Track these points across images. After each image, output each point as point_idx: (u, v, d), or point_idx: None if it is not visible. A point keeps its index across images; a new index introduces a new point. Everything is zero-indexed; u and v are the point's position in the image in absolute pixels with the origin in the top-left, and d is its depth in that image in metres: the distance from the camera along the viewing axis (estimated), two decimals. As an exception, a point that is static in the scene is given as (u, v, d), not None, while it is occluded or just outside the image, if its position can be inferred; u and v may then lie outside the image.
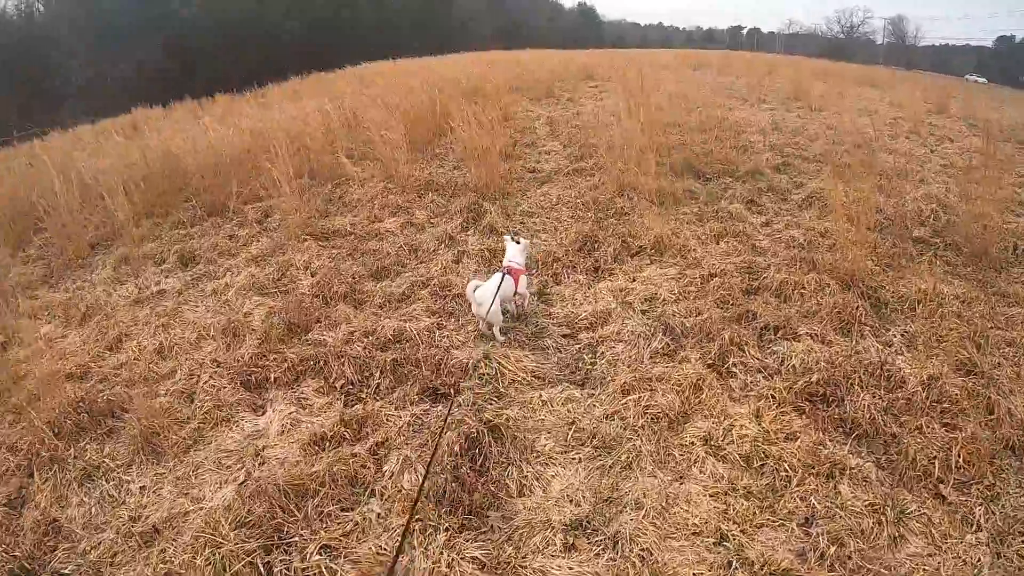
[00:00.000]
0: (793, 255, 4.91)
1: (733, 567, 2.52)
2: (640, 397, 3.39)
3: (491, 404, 3.46)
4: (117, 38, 34.94)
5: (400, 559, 2.54)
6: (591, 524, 2.73)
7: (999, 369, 3.66)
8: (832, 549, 2.56)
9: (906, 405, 3.31)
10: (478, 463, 3.04)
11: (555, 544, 2.64)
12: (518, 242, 4.25)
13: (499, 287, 3.86)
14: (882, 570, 2.52)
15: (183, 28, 36.35)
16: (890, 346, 3.85)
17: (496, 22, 56.96)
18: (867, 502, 2.78)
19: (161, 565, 2.72)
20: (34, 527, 3.04)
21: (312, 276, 5.12)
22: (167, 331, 4.59)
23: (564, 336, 4.18)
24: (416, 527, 2.70)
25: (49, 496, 3.19)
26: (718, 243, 5.25)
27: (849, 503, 2.77)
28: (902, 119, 10.43)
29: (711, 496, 2.83)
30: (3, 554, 2.90)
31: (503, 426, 3.25)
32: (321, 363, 3.91)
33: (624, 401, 3.39)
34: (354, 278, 5.00)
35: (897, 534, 2.67)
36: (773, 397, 3.37)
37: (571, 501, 2.86)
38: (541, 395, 3.54)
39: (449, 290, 4.74)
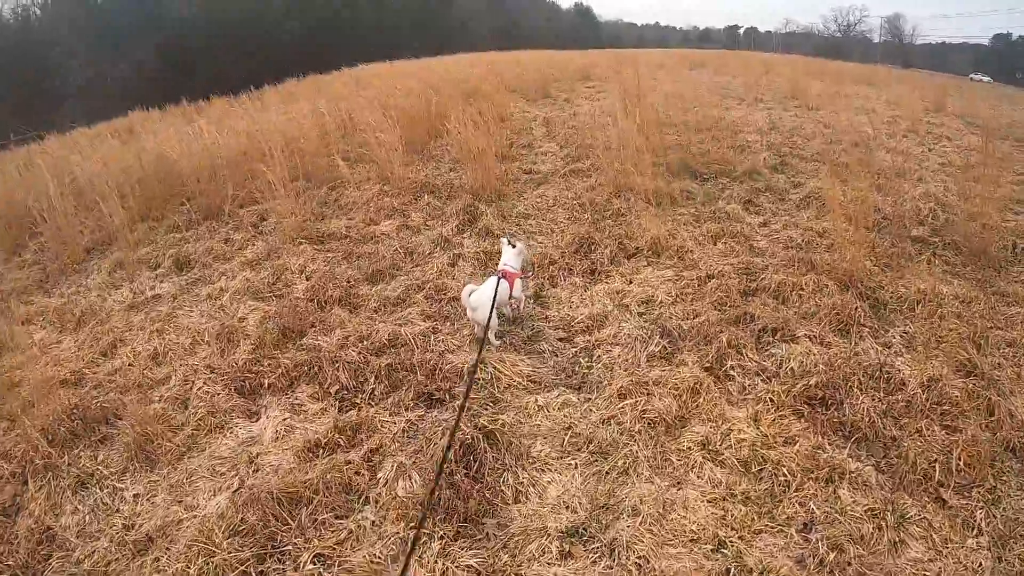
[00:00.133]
0: (791, 256, 4.89)
1: (732, 574, 2.49)
2: (637, 401, 3.36)
3: (486, 409, 3.43)
4: (114, 42, 34.94)
5: (395, 567, 2.52)
6: (587, 531, 2.70)
7: (999, 370, 3.63)
8: (832, 555, 2.52)
9: (906, 407, 3.28)
10: (473, 469, 3.00)
11: (551, 552, 2.61)
12: (514, 246, 4.22)
13: (496, 291, 3.82)
14: (882, 576, 2.49)
15: (181, 30, 36.32)
16: (889, 347, 3.82)
17: (493, 23, 56.95)
18: (867, 506, 2.75)
19: (155, 574, 2.69)
20: (28, 535, 3.01)
21: (307, 280, 5.09)
22: (161, 336, 4.56)
23: (560, 339, 4.14)
24: (409, 536, 2.67)
25: (43, 504, 3.16)
26: (715, 244, 5.22)
27: (849, 508, 2.74)
28: (899, 118, 10.43)
29: (709, 502, 2.79)
30: (-3, 563, 2.87)
31: (498, 432, 3.21)
32: (315, 368, 3.87)
33: (621, 405, 3.36)
34: (349, 282, 4.96)
35: (897, 539, 2.63)
36: (771, 400, 3.34)
37: (567, 508, 2.83)
38: (537, 400, 3.50)
39: (445, 294, 4.71)
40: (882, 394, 3.37)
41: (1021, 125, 10.71)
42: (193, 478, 3.21)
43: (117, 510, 3.10)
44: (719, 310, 4.22)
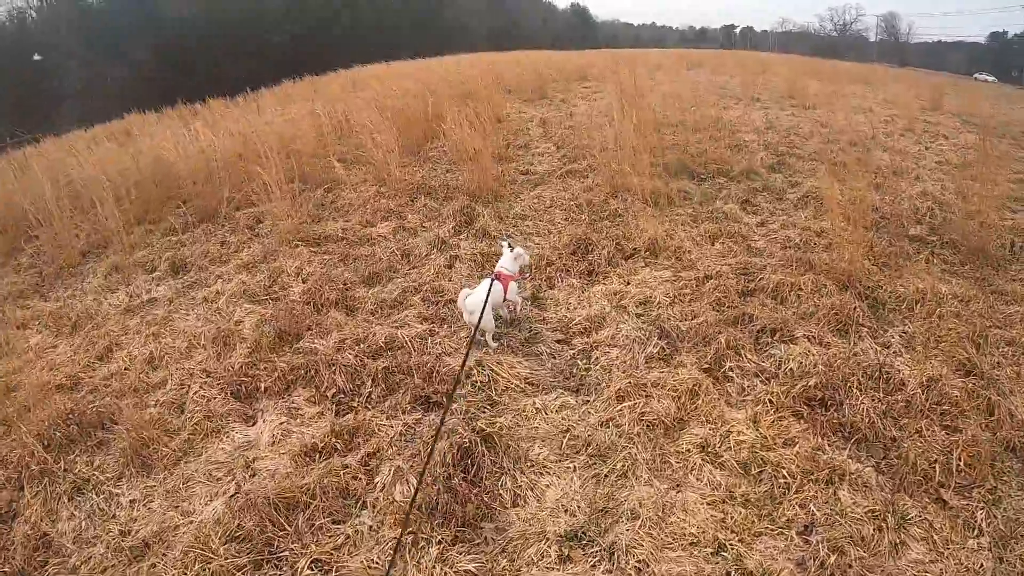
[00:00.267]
0: (789, 256, 4.88)
1: (732, 577, 2.48)
2: (635, 403, 3.34)
3: (484, 412, 3.42)
4: (110, 44, 34.86)
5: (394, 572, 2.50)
6: (587, 535, 2.69)
7: (999, 369, 3.62)
8: (832, 558, 2.51)
9: (905, 408, 3.27)
10: (471, 473, 2.99)
11: (550, 556, 2.59)
12: (513, 249, 4.19)
13: (488, 294, 3.80)
14: (883, 578, 2.47)
15: (177, 32, 36.24)
16: (888, 347, 3.81)
17: (490, 24, 56.92)
18: (867, 508, 2.73)
19: (151, 581, 2.68)
20: (24, 542, 3.01)
21: (303, 283, 5.07)
22: (157, 340, 4.55)
23: (558, 341, 4.13)
24: (408, 540, 2.65)
25: (39, 510, 3.16)
26: (713, 244, 5.21)
27: (849, 509, 2.73)
28: (896, 116, 10.42)
29: (709, 504, 2.78)
30: (-7, 570, 2.86)
31: (496, 435, 3.20)
32: (312, 372, 3.86)
33: (619, 408, 3.34)
34: (346, 284, 4.95)
35: (898, 540, 2.62)
36: (771, 402, 3.32)
37: (566, 511, 2.81)
38: (535, 402, 3.49)
39: (442, 296, 4.69)
40: (882, 394, 3.36)
41: (1018, 123, 10.71)
42: (189, 483, 3.20)
43: (113, 516, 3.09)
44: (717, 311, 4.21)
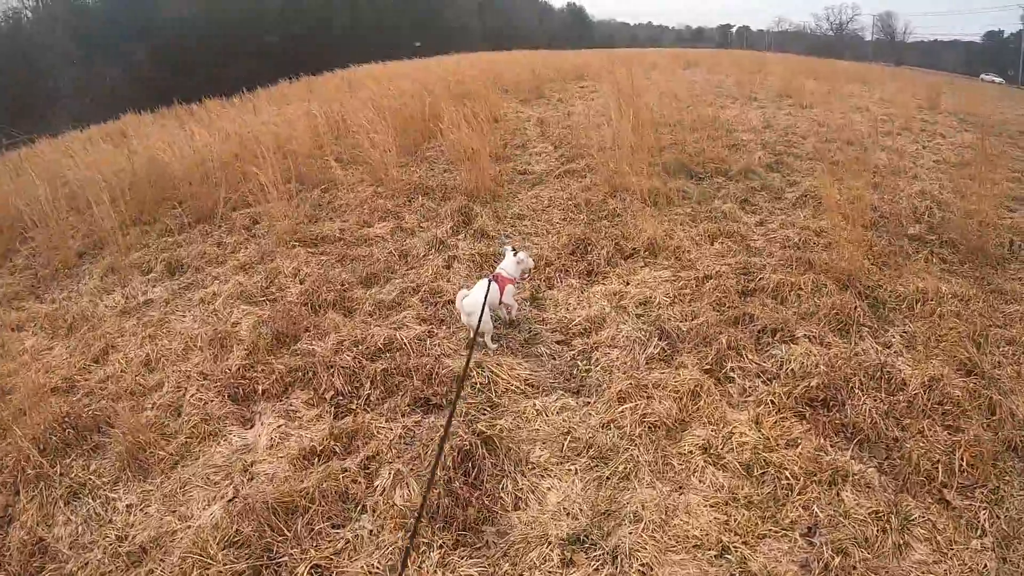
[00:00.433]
0: (789, 255, 4.86)
1: (736, 581, 2.46)
2: (637, 405, 3.32)
3: (484, 414, 3.39)
4: (106, 44, 34.73)
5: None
6: (589, 538, 2.66)
7: (1000, 368, 3.61)
8: (836, 560, 2.49)
9: (907, 408, 3.26)
10: (472, 476, 2.96)
11: (552, 560, 2.57)
12: (516, 252, 4.16)
13: (487, 295, 3.77)
14: (887, 580, 2.46)
15: (173, 32, 36.13)
16: (889, 347, 3.80)
17: (486, 24, 56.90)
18: (870, 509, 2.72)
19: (149, 587, 2.65)
20: (20, 547, 2.97)
21: (300, 284, 5.04)
22: (154, 342, 4.51)
23: (558, 342, 4.10)
24: (408, 545, 2.63)
25: (35, 515, 3.11)
26: (712, 244, 5.19)
27: (852, 511, 2.71)
28: (893, 115, 10.43)
29: (711, 507, 2.76)
30: (-12, 576, 2.82)
31: (497, 437, 3.17)
32: (310, 374, 3.83)
33: (620, 409, 3.32)
34: (343, 285, 4.91)
35: (902, 542, 2.60)
36: (773, 403, 3.30)
37: (568, 514, 2.79)
38: (535, 404, 3.46)
39: (440, 296, 4.66)
40: (883, 395, 3.35)
41: (1015, 122, 10.74)
42: (187, 487, 3.16)
43: (110, 521, 3.05)
44: (718, 311, 4.19)
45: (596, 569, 2.53)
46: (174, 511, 3.03)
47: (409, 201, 6.53)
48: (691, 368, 3.60)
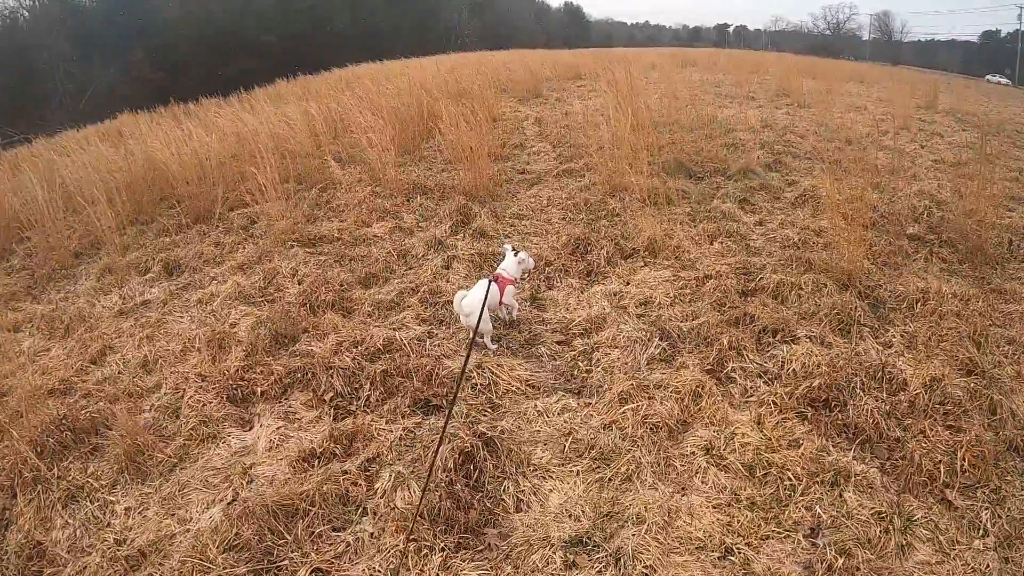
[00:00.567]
0: (788, 255, 4.86)
1: (739, 583, 2.45)
2: (638, 406, 3.31)
3: (485, 416, 3.38)
4: (103, 44, 34.63)
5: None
6: (591, 540, 2.65)
7: (1000, 368, 3.62)
8: (840, 561, 2.49)
9: (909, 408, 3.25)
10: (473, 478, 2.95)
11: (555, 562, 2.55)
12: (517, 253, 4.14)
13: (486, 295, 3.75)
14: (891, 581, 2.45)
15: (172, 31, 36.05)
16: (890, 347, 3.80)
17: (483, 23, 56.85)
18: (873, 510, 2.72)
19: (148, 591, 2.63)
20: (18, 551, 2.94)
21: (299, 284, 5.01)
22: (151, 343, 4.48)
23: (558, 343, 4.09)
24: (410, 548, 2.61)
25: (33, 518, 3.09)
26: (712, 244, 5.18)
27: (855, 511, 2.71)
28: (891, 115, 10.43)
29: (714, 508, 2.75)
30: (-15, 580, 2.80)
31: (498, 439, 3.16)
32: (309, 375, 3.80)
33: (622, 410, 3.31)
34: (342, 285, 4.89)
35: (905, 542, 2.60)
36: (774, 403, 3.30)
37: (570, 516, 2.78)
38: (536, 405, 3.45)
39: (439, 297, 4.65)
40: (885, 395, 3.35)
41: (1013, 122, 10.75)
42: (186, 490, 3.14)
43: (108, 524, 3.03)
44: (718, 311, 4.18)
45: (599, 571, 2.52)
46: (173, 514, 3.00)
47: (407, 201, 6.51)
48: (692, 368, 3.60)
